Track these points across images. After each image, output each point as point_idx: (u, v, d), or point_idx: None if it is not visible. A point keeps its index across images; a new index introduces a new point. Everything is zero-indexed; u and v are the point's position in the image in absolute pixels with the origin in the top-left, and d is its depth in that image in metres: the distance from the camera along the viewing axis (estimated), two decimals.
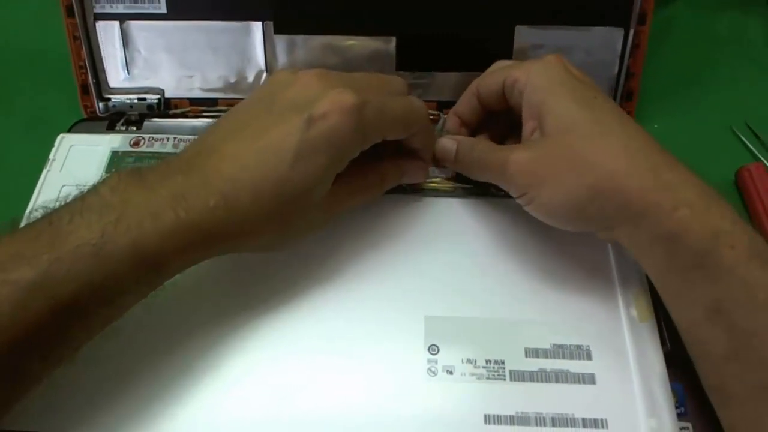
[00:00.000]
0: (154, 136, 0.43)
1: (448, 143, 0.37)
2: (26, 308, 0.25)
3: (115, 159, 0.42)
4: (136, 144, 0.42)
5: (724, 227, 0.29)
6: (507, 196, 0.39)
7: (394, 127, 0.34)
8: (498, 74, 0.36)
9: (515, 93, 0.35)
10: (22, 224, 0.34)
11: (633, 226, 0.30)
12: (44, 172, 0.41)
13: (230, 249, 0.32)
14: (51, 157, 0.42)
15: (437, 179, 0.40)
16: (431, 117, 0.41)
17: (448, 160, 0.37)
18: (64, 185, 0.40)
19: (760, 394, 0.28)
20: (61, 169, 0.41)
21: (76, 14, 0.43)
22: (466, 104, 0.39)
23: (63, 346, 0.28)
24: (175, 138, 0.43)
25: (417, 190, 0.39)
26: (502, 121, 0.39)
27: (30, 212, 0.39)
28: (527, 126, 0.34)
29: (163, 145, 0.42)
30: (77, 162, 0.42)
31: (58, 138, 0.43)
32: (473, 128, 0.39)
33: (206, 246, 0.30)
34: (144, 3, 0.43)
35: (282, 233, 0.32)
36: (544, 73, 0.33)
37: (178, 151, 0.41)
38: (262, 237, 0.32)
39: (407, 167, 0.37)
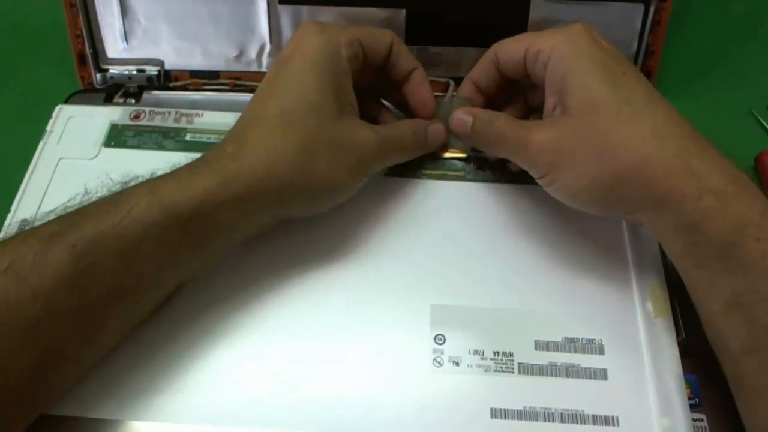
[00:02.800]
0: (155, 109, 0.41)
1: (463, 116, 0.34)
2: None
3: (115, 132, 0.40)
4: (137, 117, 0.40)
5: (752, 218, 0.27)
6: (520, 180, 0.37)
7: (362, 33, 0.34)
8: (520, 42, 0.34)
9: (538, 65, 0.32)
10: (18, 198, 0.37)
11: (657, 212, 0.29)
12: (41, 144, 0.39)
13: (264, 199, 0.31)
14: (48, 128, 0.40)
15: (456, 148, 0.38)
16: (439, 80, 0.38)
17: (464, 134, 0.35)
18: (62, 158, 0.39)
19: None
20: (58, 141, 0.40)
21: None
22: (483, 71, 0.36)
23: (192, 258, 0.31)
24: (176, 112, 0.41)
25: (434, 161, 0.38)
26: (523, 95, 0.37)
27: (27, 184, 0.38)
28: (549, 101, 0.32)
29: (164, 119, 0.40)
30: (75, 134, 0.40)
31: (56, 109, 0.41)
32: (490, 97, 0.37)
33: (240, 197, 0.30)
34: None
35: (314, 173, 0.31)
36: (569, 44, 0.31)
37: (179, 125, 0.40)
38: (296, 179, 0.31)
39: (430, 124, 0.37)
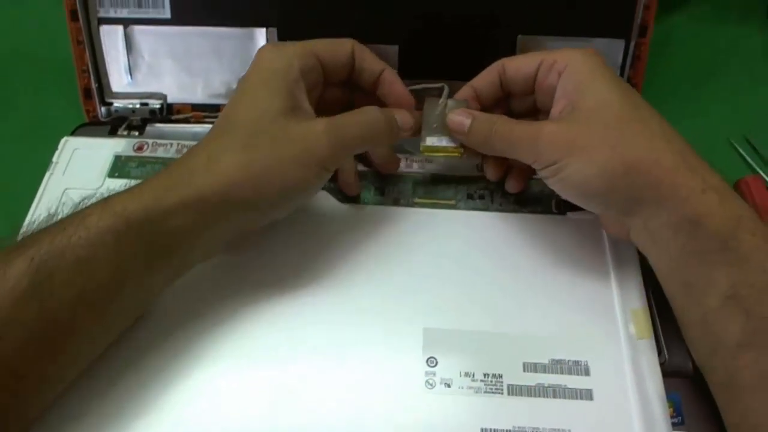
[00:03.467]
0: (158, 141, 0.42)
1: (461, 115, 0.35)
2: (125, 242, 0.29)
3: (119, 163, 0.41)
4: (140, 149, 0.41)
5: (746, 214, 0.29)
6: (508, 209, 0.39)
7: (318, 45, 0.35)
8: (533, 56, 0.36)
9: (552, 73, 0.34)
10: (24, 227, 0.36)
11: (658, 207, 0.30)
12: (47, 175, 0.40)
13: (212, 201, 0.30)
14: (54, 160, 0.41)
15: (450, 147, 0.37)
16: (434, 86, 0.38)
17: (461, 132, 0.35)
18: (67, 188, 0.39)
19: None
20: (64, 172, 0.40)
21: (80, 18, 0.42)
22: (485, 79, 0.37)
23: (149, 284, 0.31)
24: (178, 143, 0.42)
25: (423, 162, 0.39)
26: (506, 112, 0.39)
27: (33, 214, 0.38)
28: (557, 106, 0.34)
29: (167, 150, 0.41)
30: (80, 165, 0.41)
31: (62, 141, 0.42)
32: (485, 106, 0.38)
33: (186, 199, 0.30)
34: (148, 8, 0.42)
35: (279, 164, 0.31)
36: (584, 59, 0.34)
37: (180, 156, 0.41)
38: (256, 174, 0.31)
39: (397, 112, 0.36)
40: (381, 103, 0.37)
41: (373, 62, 0.37)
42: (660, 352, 0.33)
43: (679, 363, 0.34)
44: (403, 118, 0.36)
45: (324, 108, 0.35)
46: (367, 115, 0.34)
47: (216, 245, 0.33)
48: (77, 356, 0.30)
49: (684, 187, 0.30)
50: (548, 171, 0.32)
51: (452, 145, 0.36)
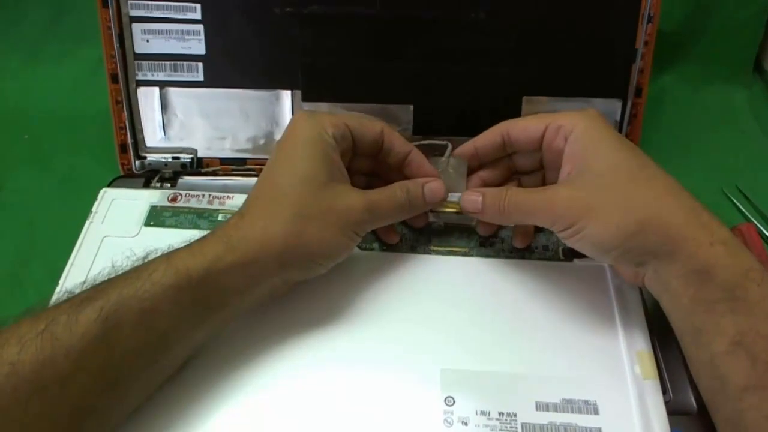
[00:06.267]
0: (191, 192, 0.43)
1: (472, 195, 0.36)
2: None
3: (154, 213, 0.42)
4: (174, 199, 0.43)
5: (753, 265, 0.30)
6: (519, 256, 0.40)
7: (349, 119, 0.37)
8: (539, 119, 0.37)
9: (559, 138, 0.35)
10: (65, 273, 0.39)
11: (670, 258, 0.31)
12: (87, 223, 0.42)
13: (265, 263, 0.32)
14: (93, 209, 0.42)
15: (451, 202, 0.38)
16: (438, 143, 0.40)
17: (476, 211, 0.37)
18: (106, 236, 0.41)
19: None
20: (103, 221, 0.42)
21: (120, 81, 0.44)
22: (488, 139, 0.38)
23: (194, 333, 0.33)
24: (209, 194, 0.43)
25: (438, 213, 0.40)
26: (497, 171, 0.40)
27: (73, 262, 0.40)
28: (566, 168, 0.35)
29: (199, 201, 0.43)
30: (118, 215, 0.42)
31: (101, 192, 0.44)
32: (485, 163, 0.39)
33: (243, 261, 0.32)
34: (183, 72, 0.44)
35: (314, 234, 0.33)
36: (589, 122, 0.35)
37: (212, 207, 0.43)
38: (293, 241, 0.33)
39: (427, 182, 0.38)
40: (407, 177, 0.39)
41: (402, 145, 0.38)
42: (665, 392, 0.34)
43: (683, 402, 0.35)
44: (434, 189, 0.37)
45: (353, 173, 0.37)
46: (396, 196, 0.36)
47: (263, 299, 0.35)
48: (133, 397, 0.31)
49: (693, 241, 0.31)
50: (566, 233, 0.33)
51: (454, 200, 0.38)
